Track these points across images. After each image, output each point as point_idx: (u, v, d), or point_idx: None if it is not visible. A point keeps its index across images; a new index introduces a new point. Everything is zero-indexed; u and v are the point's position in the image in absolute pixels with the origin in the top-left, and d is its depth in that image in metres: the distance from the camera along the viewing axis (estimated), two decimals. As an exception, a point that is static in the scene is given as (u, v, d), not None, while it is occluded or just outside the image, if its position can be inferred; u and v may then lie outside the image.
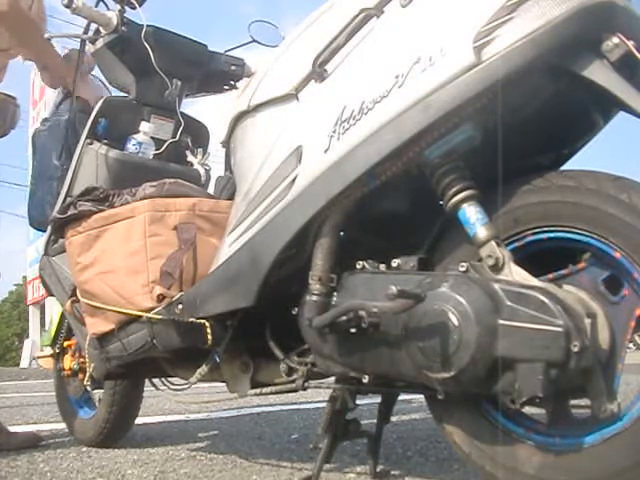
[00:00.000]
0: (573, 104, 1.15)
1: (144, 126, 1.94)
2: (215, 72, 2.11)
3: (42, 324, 10.70)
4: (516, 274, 1.10)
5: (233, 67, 2.12)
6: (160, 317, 1.51)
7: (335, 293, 1.26)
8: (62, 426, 2.30)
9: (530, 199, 1.12)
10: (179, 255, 1.53)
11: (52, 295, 1.99)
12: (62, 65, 2.04)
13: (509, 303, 1.04)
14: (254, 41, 2.09)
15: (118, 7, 1.89)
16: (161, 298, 1.51)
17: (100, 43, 1.93)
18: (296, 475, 1.58)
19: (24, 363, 10.40)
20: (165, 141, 1.98)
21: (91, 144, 1.88)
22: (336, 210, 1.23)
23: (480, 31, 1.03)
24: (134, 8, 1.92)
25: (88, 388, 2.08)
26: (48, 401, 3.33)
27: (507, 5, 1.03)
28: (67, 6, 1.81)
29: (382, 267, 1.24)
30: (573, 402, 1.13)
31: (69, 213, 1.70)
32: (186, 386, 1.69)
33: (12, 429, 2.22)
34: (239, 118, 1.47)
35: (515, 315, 1.03)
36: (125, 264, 1.59)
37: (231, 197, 1.61)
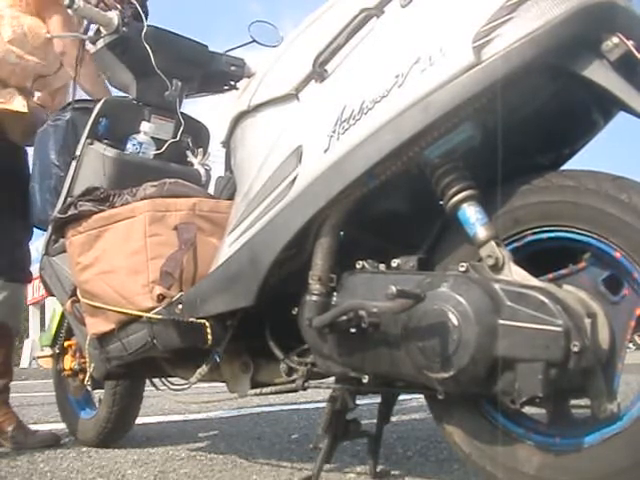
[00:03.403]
0: (573, 104, 1.15)
1: (144, 126, 1.94)
2: (215, 72, 2.12)
3: (42, 324, 10.69)
4: (516, 274, 1.10)
5: (233, 67, 2.13)
6: (160, 317, 1.51)
7: (335, 293, 1.26)
8: (62, 426, 2.30)
9: (530, 199, 1.12)
10: (179, 255, 1.53)
11: (52, 295, 1.99)
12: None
13: (509, 303, 1.04)
14: (254, 41, 2.10)
15: (119, 7, 1.89)
16: (161, 298, 1.51)
17: (101, 43, 1.93)
18: (296, 475, 1.58)
19: (24, 363, 10.39)
20: (165, 141, 1.98)
21: (92, 144, 1.89)
22: (336, 210, 1.23)
23: (480, 31, 1.04)
24: (135, 8, 1.92)
25: (88, 388, 2.09)
26: (48, 401, 3.33)
27: (507, 5, 1.03)
28: (69, 6, 1.82)
29: (382, 267, 1.24)
30: (573, 402, 1.13)
31: (70, 213, 1.70)
32: (186, 386, 1.69)
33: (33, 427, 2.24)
34: (239, 118, 1.47)
35: (515, 315, 1.03)
36: (125, 264, 1.59)
37: (231, 197, 1.61)
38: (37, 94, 2.29)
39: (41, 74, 2.17)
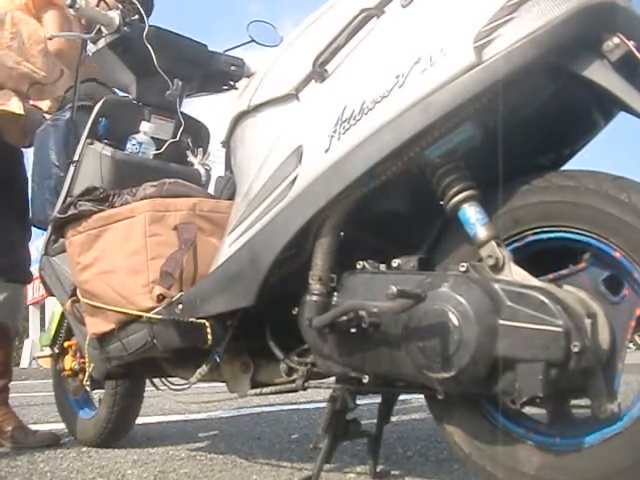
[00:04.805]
0: (574, 104, 1.15)
1: (144, 126, 1.94)
2: (215, 72, 2.12)
3: (42, 324, 10.69)
4: (516, 274, 1.10)
5: (233, 67, 2.13)
6: (160, 317, 1.51)
7: (335, 293, 1.26)
8: (62, 426, 2.30)
9: (530, 199, 1.12)
10: (179, 255, 1.53)
11: (52, 295, 1.99)
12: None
13: (509, 303, 1.04)
14: (253, 41, 2.10)
15: (120, 7, 1.89)
16: (161, 298, 1.51)
17: (102, 43, 1.93)
18: (296, 475, 1.58)
19: (24, 363, 10.39)
20: (165, 141, 1.98)
21: (91, 144, 1.89)
22: (336, 210, 1.23)
23: (481, 31, 1.04)
24: (136, 8, 1.93)
25: (87, 388, 2.08)
26: (48, 401, 3.33)
27: (508, 5, 1.03)
28: (70, 6, 1.82)
29: (382, 267, 1.24)
30: (573, 402, 1.13)
31: (69, 213, 1.70)
32: (186, 386, 1.68)
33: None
34: (239, 118, 1.47)
35: (515, 315, 1.03)
36: (125, 264, 1.59)
37: (231, 197, 1.61)
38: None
39: (38, 82, 2.17)
